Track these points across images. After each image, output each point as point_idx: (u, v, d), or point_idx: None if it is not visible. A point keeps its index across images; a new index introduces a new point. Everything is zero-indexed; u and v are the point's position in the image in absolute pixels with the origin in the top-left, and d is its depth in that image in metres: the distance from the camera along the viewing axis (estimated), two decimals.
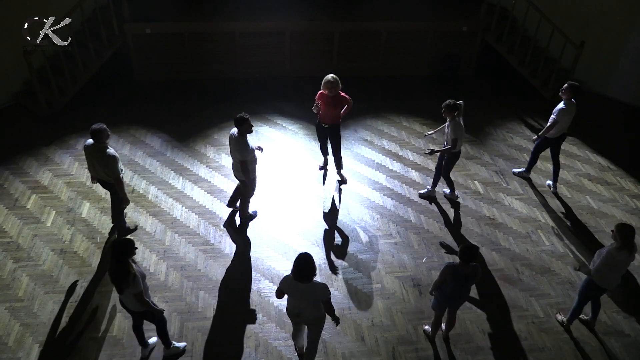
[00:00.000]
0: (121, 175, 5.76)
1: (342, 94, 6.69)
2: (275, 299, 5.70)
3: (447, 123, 6.56)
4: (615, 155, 8.33)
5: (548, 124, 6.93)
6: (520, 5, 9.25)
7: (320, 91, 6.71)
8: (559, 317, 5.68)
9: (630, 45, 9.32)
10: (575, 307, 5.44)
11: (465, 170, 7.83)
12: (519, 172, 7.79)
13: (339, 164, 7.34)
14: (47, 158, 7.60)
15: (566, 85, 6.83)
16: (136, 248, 4.45)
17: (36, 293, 5.68)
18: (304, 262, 4.20)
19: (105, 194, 6.96)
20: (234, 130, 5.87)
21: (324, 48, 9.71)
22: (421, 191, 7.32)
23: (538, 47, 9.68)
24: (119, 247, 4.28)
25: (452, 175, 7.67)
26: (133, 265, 4.37)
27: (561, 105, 6.82)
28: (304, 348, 4.98)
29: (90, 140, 5.64)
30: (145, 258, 6.16)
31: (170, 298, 5.71)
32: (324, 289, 4.33)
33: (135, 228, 6.48)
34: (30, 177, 7.25)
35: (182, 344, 5.19)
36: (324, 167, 7.63)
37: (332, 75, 6.57)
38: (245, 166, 5.88)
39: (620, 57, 9.51)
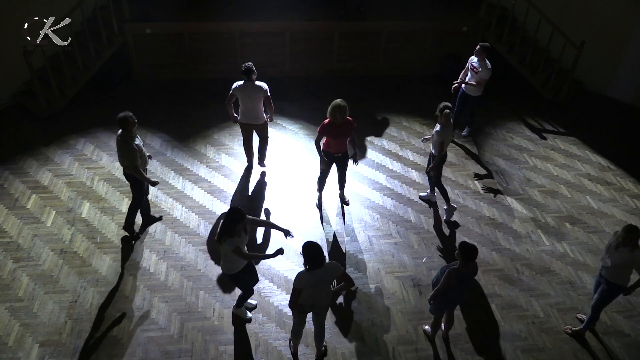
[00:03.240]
0: (141, 163, 5.82)
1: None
2: (276, 298, 5.72)
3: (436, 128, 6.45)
4: (615, 155, 8.33)
5: (474, 83, 7.65)
6: (520, 5, 9.25)
7: (328, 122, 6.11)
8: (569, 330, 5.59)
9: (631, 45, 9.32)
10: (592, 316, 5.38)
11: (465, 170, 7.83)
12: (465, 134, 8.46)
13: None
14: (47, 158, 7.60)
15: (479, 47, 7.48)
16: (244, 220, 4.67)
17: (36, 293, 5.68)
18: (312, 251, 4.33)
19: (105, 193, 6.98)
20: (239, 82, 6.61)
21: (324, 48, 9.70)
22: (422, 194, 7.31)
23: (538, 47, 9.67)
24: (232, 212, 4.68)
25: (452, 176, 7.69)
26: (243, 233, 4.78)
27: (475, 64, 7.56)
28: (314, 334, 5.06)
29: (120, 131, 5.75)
30: (145, 258, 6.16)
31: (170, 298, 5.72)
32: (336, 265, 4.51)
33: (137, 236, 6.42)
34: (30, 177, 7.25)
35: (249, 314, 5.54)
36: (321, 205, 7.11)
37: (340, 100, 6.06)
38: (270, 100, 6.74)
39: (620, 57, 9.51)
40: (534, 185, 7.63)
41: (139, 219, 6.56)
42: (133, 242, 6.36)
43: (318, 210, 6.96)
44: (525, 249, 6.57)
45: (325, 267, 4.40)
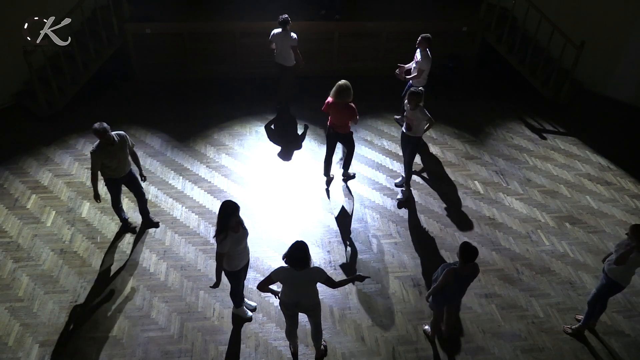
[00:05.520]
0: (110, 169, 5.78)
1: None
2: (275, 298, 5.72)
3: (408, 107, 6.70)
4: (615, 155, 8.33)
5: (415, 74, 7.84)
6: (520, 5, 9.25)
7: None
8: (569, 330, 5.60)
9: (630, 45, 9.32)
10: (589, 312, 5.38)
11: (465, 170, 7.84)
12: (400, 117, 8.66)
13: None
14: (47, 158, 7.60)
15: (420, 38, 7.70)
16: (237, 212, 4.62)
17: (36, 293, 5.68)
18: (299, 251, 4.29)
19: (105, 194, 6.96)
20: (278, 30, 8.02)
21: (324, 48, 9.71)
22: (397, 180, 7.47)
23: (538, 47, 9.68)
24: (223, 206, 4.62)
25: (452, 176, 7.70)
26: (240, 229, 4.74)
27: (417, 57, 7.75)
28: (310, 334, 5.08)
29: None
30: (145, 258, 6.16)
31: (170, 298, 5.72)
32: (319, 271, 4.47)
33: (129, 225, 6.49)
34: (30, 177, 7.25)
35: (249, 313, 5.55)
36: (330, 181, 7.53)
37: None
38: (297, 50, 8.13)
39: (620, 57, 9.51)
40: (534, 185, 7.63)
41: (138, 219, 6.58)
42: (131, 227, 6.45)
43: (318, 211, 6.96)
44: (525, 249, 6.57)
45: (305, 271, 4.35)
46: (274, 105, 9.00)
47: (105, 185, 6.04)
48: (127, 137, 5.84)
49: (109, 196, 6.69)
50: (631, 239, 4.82)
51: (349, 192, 7.31)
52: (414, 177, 7.61)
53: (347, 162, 7.31)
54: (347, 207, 7.05)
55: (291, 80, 8.66)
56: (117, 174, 5.87)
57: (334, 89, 6.63)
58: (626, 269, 4.95)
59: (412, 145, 6.97)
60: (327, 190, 7.29)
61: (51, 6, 8.05)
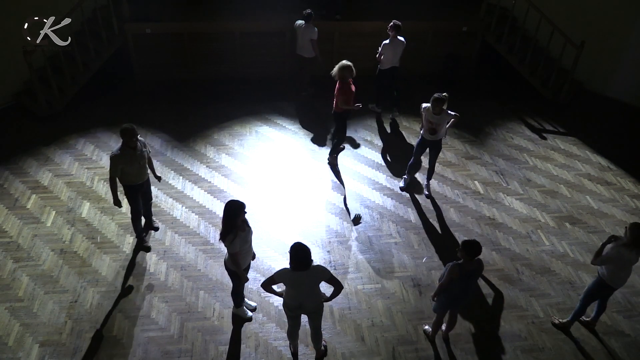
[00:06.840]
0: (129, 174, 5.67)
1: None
2: (276, 298, 5.72)
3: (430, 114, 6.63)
4: (615, 155, 8.33)
5: (377, 57, 8.28)
6: (520, 5, 9.25)
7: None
8: (556, 320, 5.64)
9: (631, 45, 9.32)
10: (578, 309, 5.42)
11: (465, 170, 7.84)
12: (372, 107, 8.93)
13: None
14: (47, 158, 7.60)
15: (391, 24, 8.09)
16: (245, 212, 4.64)
17: (36, 293, 5.68)
18: (300, 252, 4.28)
19: (105, 193, 6.98)
20: (301, 22, 8.50)
21: (324, 48, 9.67)
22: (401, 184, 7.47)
23: (538, 47, 9.68)
24: (228, 206, 4.61)
25: (452, 176, 7.71)
26: (246, 228, 4.75)
27: (386, 40, 8.14)
28: (310, 336, 5.08)
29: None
30: (145, 258, 6.16)
31: (170, 298, 5.72)
32: (322, 269, 4.45)
33: (147, 248, 6.30)
34: (30, 177, 7.25)
35: (249, 313, 5.54)
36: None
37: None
38: (316, 43, 8.54)
39: (620, 57, 9.51)
40: (534, 185, 7.63)
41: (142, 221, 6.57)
42: (146, 246, 6.29)
43: (318, 211, 6.96)
44: (525, 249, 6.57)
45: (309, 271, 4.34)
46: (298, 94, 9.31)
47: (126, 196, 5.89)
48: (146, 143, 5.80)
49: (108, 195, 6.69)
50: (626, 236, 4.82)
51: (348, 192, 7.31)
52: (415, 177, 7.61)
53: (333, 145, 7.60)
54: (347, 207, 7.05)
55: (310, 70, 9.00)
56: (138, 179, 5.74)
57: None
58: (615, 270, 4.95)
59: (437, 148, 6.96)
60: (333, 190, 7.30)
61: (51, 6, 8.05)
